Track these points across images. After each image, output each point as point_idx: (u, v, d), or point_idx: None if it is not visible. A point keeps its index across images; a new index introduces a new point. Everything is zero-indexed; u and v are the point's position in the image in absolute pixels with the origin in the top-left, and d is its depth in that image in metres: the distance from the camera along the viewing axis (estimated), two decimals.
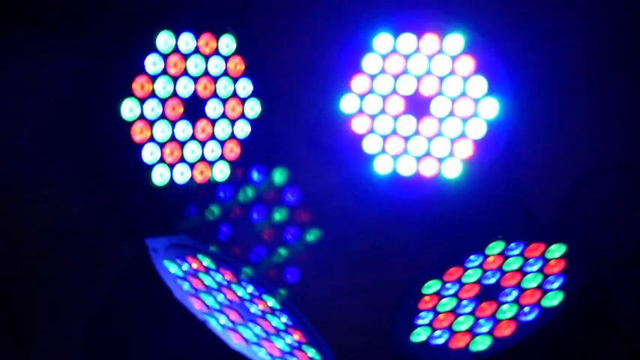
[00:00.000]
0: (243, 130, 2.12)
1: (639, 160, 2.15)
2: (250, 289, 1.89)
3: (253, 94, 2.12)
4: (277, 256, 2.09)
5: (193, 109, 2.04)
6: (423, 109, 2.08)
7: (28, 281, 1.91)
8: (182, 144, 2.03)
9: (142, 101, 1.96)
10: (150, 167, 1.98)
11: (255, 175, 2.14)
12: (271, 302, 1.89)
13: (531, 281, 1.79)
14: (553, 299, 1.72)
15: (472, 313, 1.80)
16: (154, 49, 1.96)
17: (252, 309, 1.81)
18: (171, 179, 2.02)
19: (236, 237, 2.09)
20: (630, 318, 1.86)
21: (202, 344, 1.58)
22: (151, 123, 1.98)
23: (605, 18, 2.21)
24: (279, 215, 2.15)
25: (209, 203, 2.08)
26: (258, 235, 2.13)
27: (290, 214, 2.15)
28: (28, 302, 1.90)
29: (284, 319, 1.85)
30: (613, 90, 2.20)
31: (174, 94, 2.01)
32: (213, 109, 2.07)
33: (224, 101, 2.08)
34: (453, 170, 2.08)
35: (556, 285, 1.75)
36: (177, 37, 1.99)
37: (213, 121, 2.07)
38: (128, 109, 1.94)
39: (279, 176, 2.15)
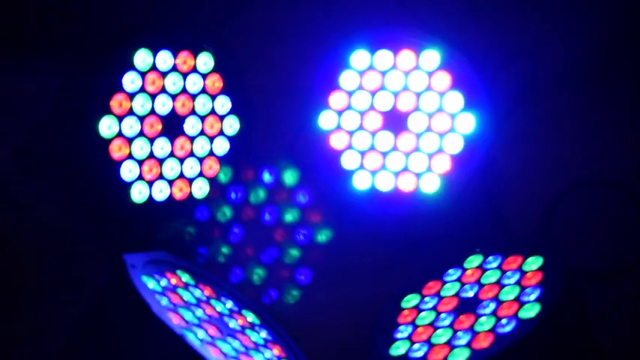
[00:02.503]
0: (221, 147, 2.13)
1: (616, 174, 2.16)
2: (230, 304, 1.89)
3: (232, 112, 2.14)
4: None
5: (172, 126, 2.05)
6: (400, 124, 2.10)
7: (7, 298, 1.91)
8: (161, 161, 2.04)
9: (120, 119, 1.96)
10: (129, 185, 1.99)
11: (267, 177, 2.15)
12: (250, 317, 1.89)
13: (509, 293, 1.80)
14: (530, 311, 1.73)
15: (450, 326, 1.81)
16: (132, 67, 1.97)
17: (232, 324, 1.81)
18: (150, 196, 2.02)
19: (213, 256, 2.10)
20: (606, 331, 1.87)
21: (180, 359, 1.58)
22: (130, 140, 1.98)
23: (582, 34, 2.24)
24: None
25: (188, 221, 2.09)
26: (237, 253, 2.14)
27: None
28: (6, 319, 1.89)
29: (263, 334, 1.86)
30: (589, 105, 2.22)
31: (153, 111, 2.02)
32: (191, 126, 2.08)
33: (202, 118, 2.09)
34: (430, 185, 2.09)
35: (533, 297, 1.76)
36: (154, 54, 2.00)
37: (191, 139, 2.08)
38: (106, 126, 1.95)
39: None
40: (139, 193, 2.00)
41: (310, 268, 2.13)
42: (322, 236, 2.14)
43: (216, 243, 2.12)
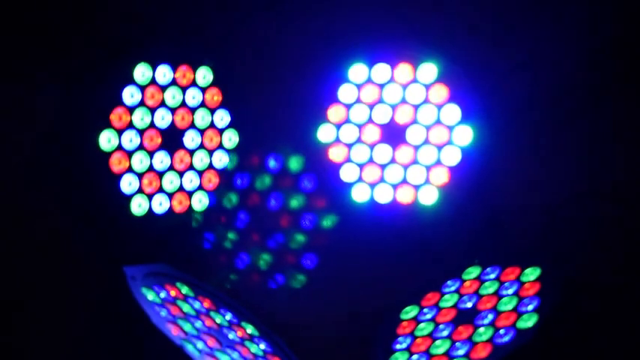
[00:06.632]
0: (221, 160, 2.14)
1: (614, 186, 2.17)
2: (229, 316, 1.90)
3: (231, 125, 2.15)
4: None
5: (171, 139, 2.06)
6: (398, 137, 2.11)
7: (9, 307, 1.92)
8: (160, 174, 2.05)
9: (120, 132, 1.98)
10: (129, 197, 2.00)
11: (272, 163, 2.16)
12: (250, 329, 1.90)
13: (507, 304, 1.81)
14: (528, 321, 1.74)
15: (449, 336, 1.81)
16: (132, 81, 1.99)
17: (231, 335, 1.82)
18: (150, 209, 2.03)
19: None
20: (603, 340, 1.87)
21: None
22: (130, 154, 2.00)
23: (579, 47, 2.25)
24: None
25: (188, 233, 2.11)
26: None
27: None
28: (8, 329, 1.90)
29: (262, 345, 1.86)
30: (587, 117, 2.23)
31: (152, 125, 2.03)
32: (191, 139, 2.09)
33: (202, 132, 2.11)
34: (429, 197, 2.10)
35: (530, 307, 1.77)
36: (154, 68, 2.02)
37: (191, 152, 2.10)
38: (106, 140, 1.96)
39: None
40: (138, 206, 2.01)
41: (316, 252, 2.14)
42: (327, 221, 2.15)
43: (223, 229, 2.13)
